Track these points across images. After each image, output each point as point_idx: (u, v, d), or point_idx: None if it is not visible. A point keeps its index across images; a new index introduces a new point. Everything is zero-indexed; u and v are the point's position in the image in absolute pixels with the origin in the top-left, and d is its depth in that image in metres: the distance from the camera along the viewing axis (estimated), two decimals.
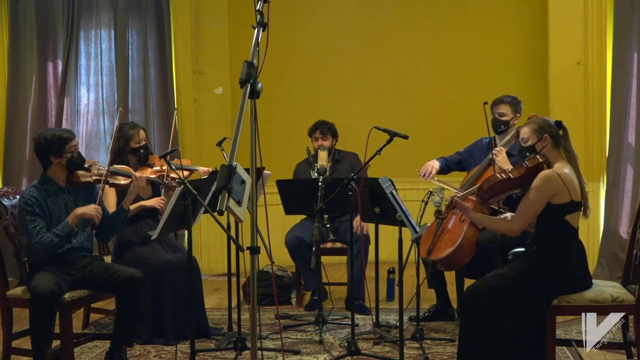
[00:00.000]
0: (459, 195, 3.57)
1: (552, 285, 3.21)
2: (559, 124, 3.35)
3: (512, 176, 3.28)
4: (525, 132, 3.36)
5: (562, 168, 3.23)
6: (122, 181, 3.93)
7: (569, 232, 3.26)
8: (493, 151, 4.23)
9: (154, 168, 4.32)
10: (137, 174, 3.97)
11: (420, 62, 6.67)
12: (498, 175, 3.33)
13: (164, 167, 4.22)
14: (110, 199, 4.22)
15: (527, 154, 3.33)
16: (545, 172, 3.22)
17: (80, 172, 3.72)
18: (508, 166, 4.09)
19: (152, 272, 4.07)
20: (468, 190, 3.65)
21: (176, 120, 4.71)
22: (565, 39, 5.84)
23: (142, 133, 4.34)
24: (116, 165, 4.02)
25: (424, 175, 4.50)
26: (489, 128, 4.28)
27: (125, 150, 4.28)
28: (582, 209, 3.27)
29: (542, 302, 3.21)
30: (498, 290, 3.23)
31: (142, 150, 4.32)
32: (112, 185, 3.93)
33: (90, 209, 3.63)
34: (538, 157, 3.28)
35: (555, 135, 3.31)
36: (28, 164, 6.16)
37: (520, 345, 3.31)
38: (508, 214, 3.55)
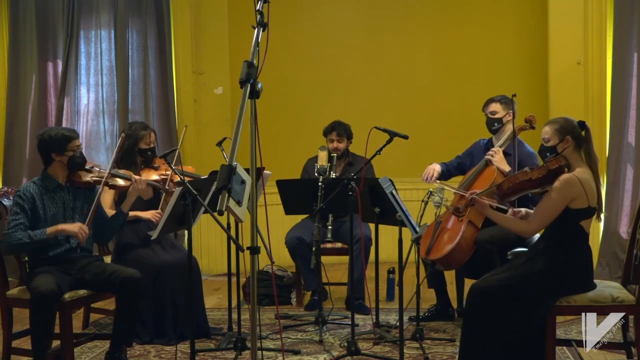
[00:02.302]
0: (477, 193, 3.58)
1: (557, 287, 3.21)
2: (582, 124, 3.31)
3: (532, 177, 3.28)
4: (547, 131, 3.32)
5: (583, 173, 3.21)
6: (122, 183, 3.93)
7: (581, 237, 3.27)
8: (489, 152, 4.28)
9: (158, 171, 4.33)
10: (137, 177, 3.97)
11: (421, 62, 6.68)
12: (519, 175, 3.33)
13: (168, 172, 4.23)
14: (107, 198, 4.21)
15: (548, 154, 3.30)
16: (567, 176, 3.21)
17: (80, 172, 3.73)
18: (505, 166, 4.13)
19: (152, 273, 4.07)
20: (486, 189, 3.65)
21: (184, 136, 4.68)
22: (565, 39, 5.83)
23: (152, 135, 4.38)
24: (117, 169, 4.02)
25: (426, 178, 4.52)
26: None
27: (133, 149, 4.30)
28: (596, 213, 3.26)
29: (546, 303, 3.21)
30: (502, 289, 3.22)
31: (149, 152, 4.35)
32: (111, 186, 3.93)
33: (74, 227, 3.59)
34: (560, 159, 3.26)
35: (577, 136, 3.27)
36: (28, 164, 6.17)
37: (521, 345, 3.30)
38: (523, 210, 3.55)
